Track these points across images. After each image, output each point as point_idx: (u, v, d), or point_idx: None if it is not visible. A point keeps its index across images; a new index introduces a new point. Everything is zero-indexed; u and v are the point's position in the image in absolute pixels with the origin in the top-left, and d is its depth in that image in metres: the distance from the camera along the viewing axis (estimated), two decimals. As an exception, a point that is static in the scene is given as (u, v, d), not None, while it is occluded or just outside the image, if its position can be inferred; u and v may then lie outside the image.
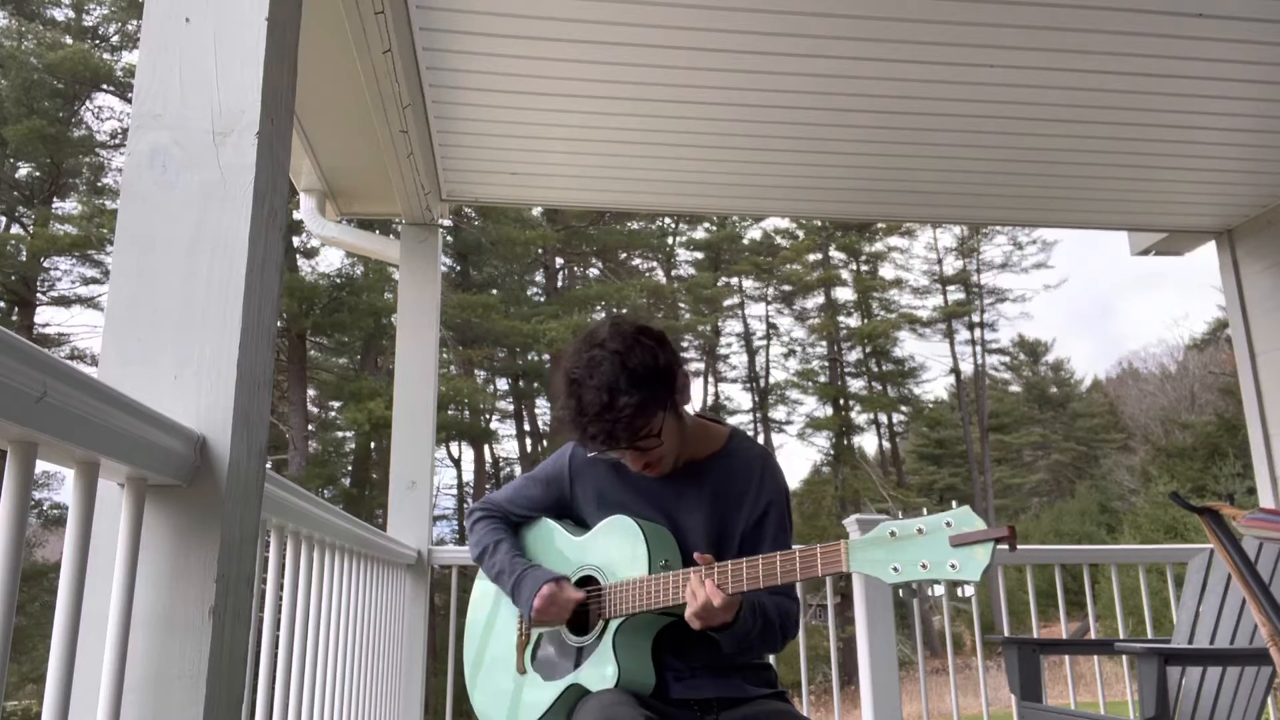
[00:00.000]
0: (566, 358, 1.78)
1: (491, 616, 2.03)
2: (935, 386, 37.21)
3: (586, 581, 1.87)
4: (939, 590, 1.51)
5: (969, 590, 1.46)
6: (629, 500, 1.88)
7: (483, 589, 2.07)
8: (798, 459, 41.82)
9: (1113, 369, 34.05)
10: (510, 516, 2.04)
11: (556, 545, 1.95)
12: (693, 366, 28.05)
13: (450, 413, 21.96)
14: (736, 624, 1.68)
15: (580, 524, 1.97)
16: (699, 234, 28.03)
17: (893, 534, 1.54)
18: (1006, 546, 1.46)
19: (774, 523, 1.84)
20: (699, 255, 28.67)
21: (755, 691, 1.84)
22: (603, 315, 24.69)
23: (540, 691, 1.83)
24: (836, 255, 28.81)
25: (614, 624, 1.77)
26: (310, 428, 20.88)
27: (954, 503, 1.53)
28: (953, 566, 1.46)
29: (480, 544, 1.99)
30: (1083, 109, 3.09)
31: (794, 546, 1.69)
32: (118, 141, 19.58)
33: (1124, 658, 3.49)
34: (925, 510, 1.55)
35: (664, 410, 1.75)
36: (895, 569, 1.52)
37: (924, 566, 1.49)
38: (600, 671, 1.75)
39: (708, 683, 1.79)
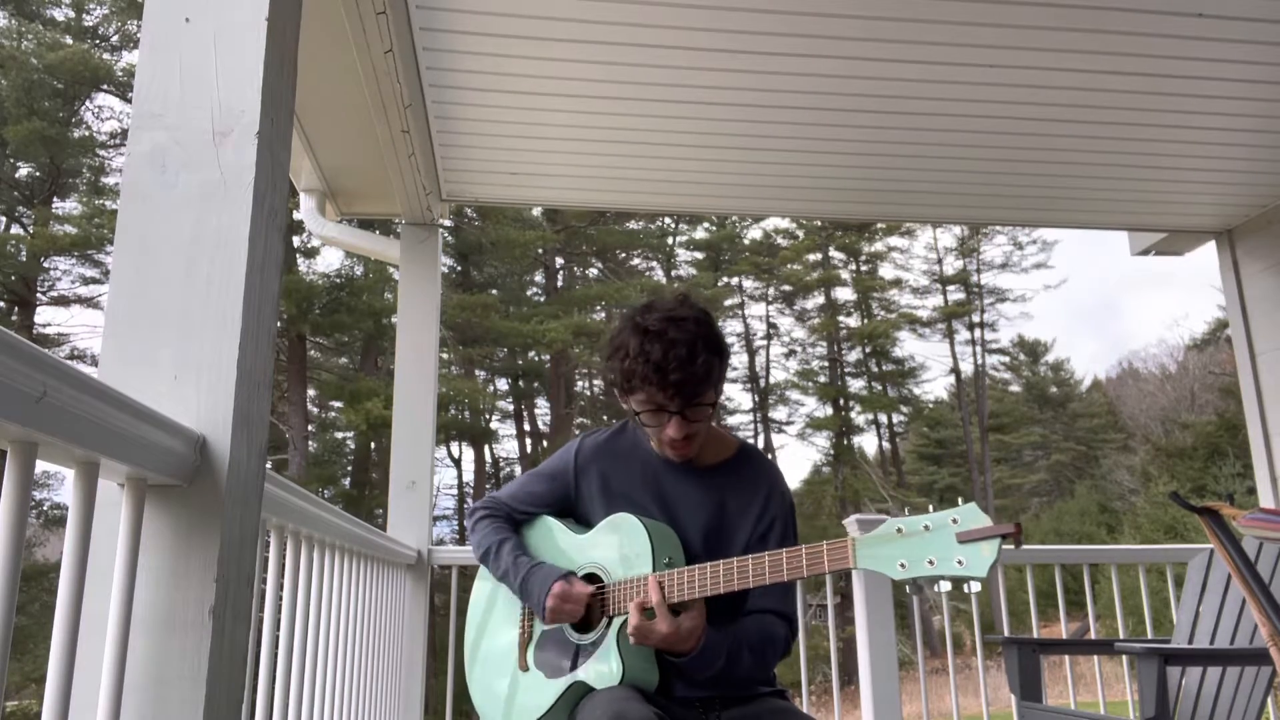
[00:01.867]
0: (635, 316, 1.82)
1: (491, 615, 2.02)
2: (935, 386, 37.34)
3: (590, 580, 1.87)
4: (945, 587, 1.49)
5: (975, 587, 1.45)
6: (633, 492, 1.89)
7: (482, 588, 2.06)
8: (798, 459, 41.92)
9: (1113, 369, 34.11)
10: (513, 514, 2.03)
11: (559, 543, 1.95)
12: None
13: (450, 413, 21.96)
14: (700, 656, 1.72)
15: (582, 522, 1.97)
16: (699, 234, 28.02)
17: (899, 531, 1.54)
18: (1012, 544, 1.46)
19: (778, 537, 1.87)
20: (699, 255, 28.68)
21: (756, 689, 1.85)
22: (603, 315, 24.70)
23: (542, 689, 1.83)
24: (836, 255, 28.80)
25: (618, 621, 1.77)
26: (310, 428, 20.88)
27: (959, 500, 1.52)
28: (959, 563, 1.46)
29: (483, 544, 1.98)
30: (1083, 109, 3.09)
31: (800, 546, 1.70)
32: (118, 141, 19.57)
33: (1124, 658, 3.49)
34: (931, 507, 1.55)
35: (721, 384, 1.83)
36: (902, 565, 1.51)
37: (931, 563, 1.49)
38: (604, 668, 1.75)
39: (710, 680, 1.80)
